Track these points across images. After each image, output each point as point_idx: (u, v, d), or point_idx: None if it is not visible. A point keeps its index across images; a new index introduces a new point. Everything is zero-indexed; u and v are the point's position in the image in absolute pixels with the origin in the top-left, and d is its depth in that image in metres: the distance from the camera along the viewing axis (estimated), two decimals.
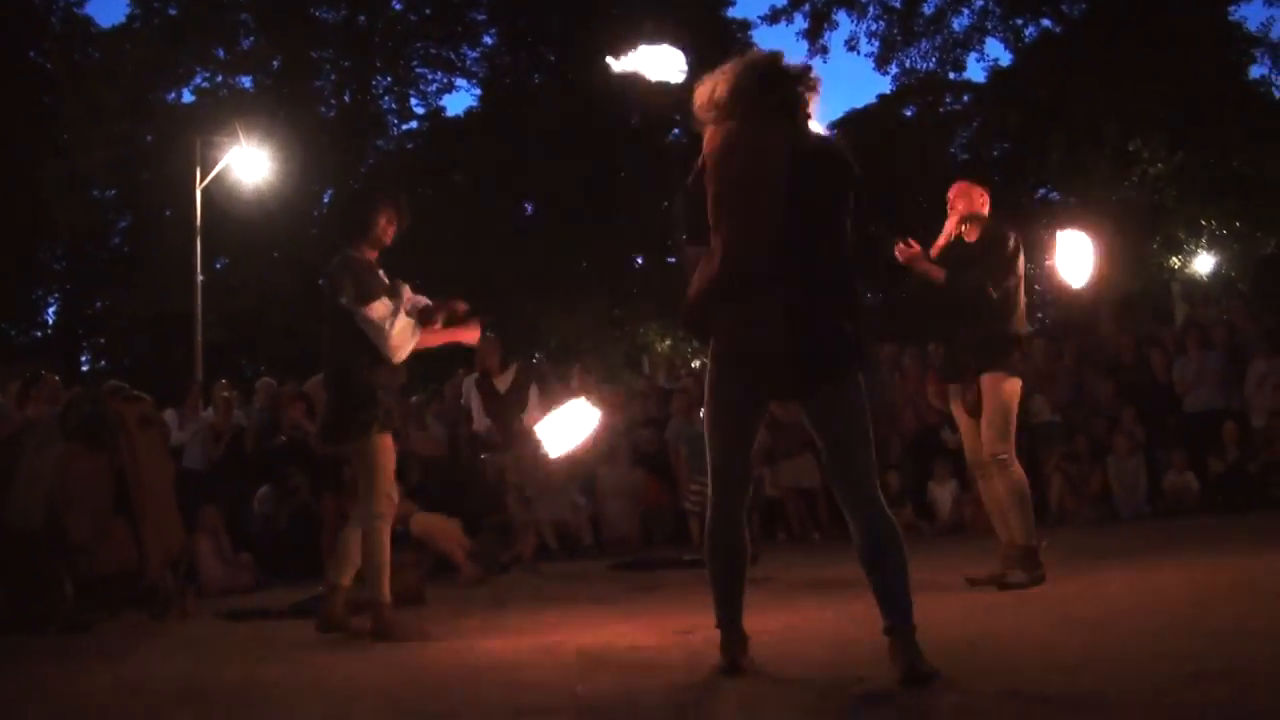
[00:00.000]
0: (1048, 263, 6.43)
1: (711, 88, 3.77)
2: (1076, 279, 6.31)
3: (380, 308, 5.31)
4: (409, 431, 6.25)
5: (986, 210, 6.21)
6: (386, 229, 5.54)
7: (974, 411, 5.95)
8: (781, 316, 3.49)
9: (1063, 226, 6.56)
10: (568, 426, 6.00)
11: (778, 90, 3.69)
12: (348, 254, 5.50)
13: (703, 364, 21.37)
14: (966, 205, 6.18)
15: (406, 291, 5.62)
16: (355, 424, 5.38)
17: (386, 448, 5.37)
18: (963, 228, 6.15)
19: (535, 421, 9.43)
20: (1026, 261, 6.11)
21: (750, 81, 3.70)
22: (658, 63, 4.92)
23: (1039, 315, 28.45)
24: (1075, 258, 6.30)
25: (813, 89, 3.74)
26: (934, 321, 6.30)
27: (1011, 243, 6.00)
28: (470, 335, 5.87)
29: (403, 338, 5.36)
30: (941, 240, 6.17)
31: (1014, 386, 5.92)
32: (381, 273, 5.52)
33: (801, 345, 3.50)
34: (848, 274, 3.61)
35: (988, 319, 5.91)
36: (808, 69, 3.78)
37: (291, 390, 11.38)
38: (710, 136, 3.77)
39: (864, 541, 3.49)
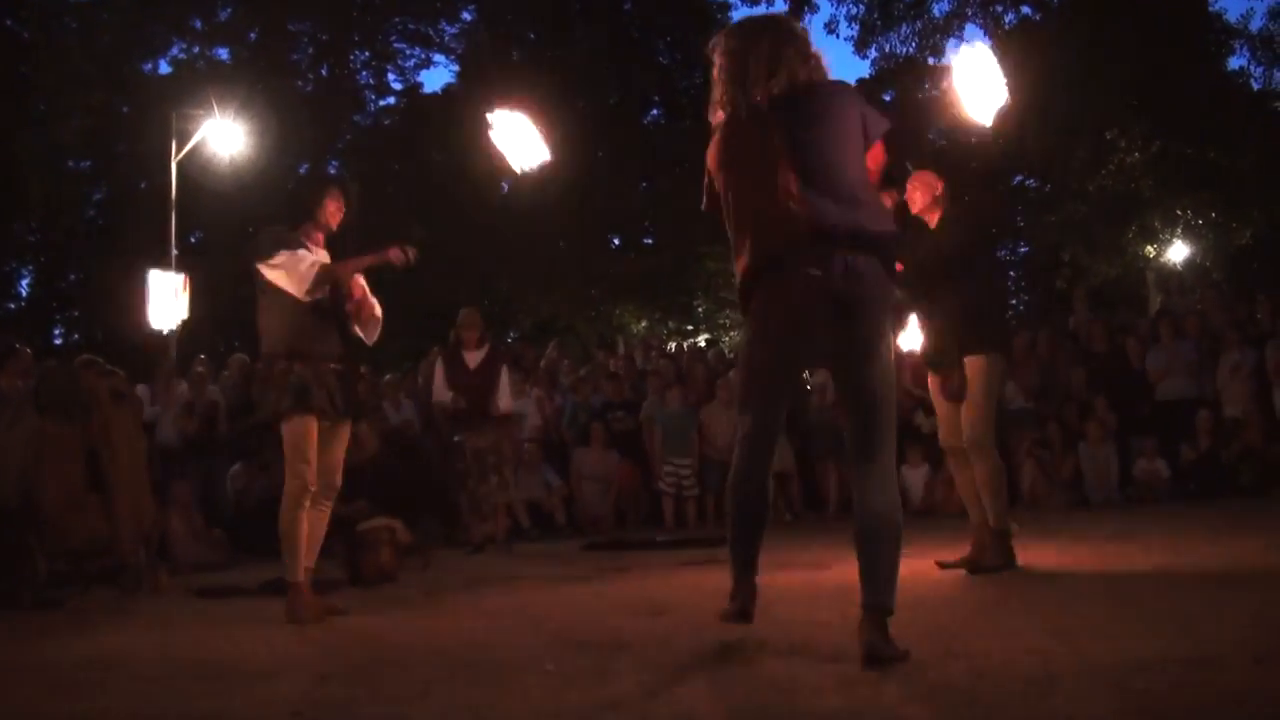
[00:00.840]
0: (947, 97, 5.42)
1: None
2: (983, 111, 5.02)
3: (289, 261, 5.30)
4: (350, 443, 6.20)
5: (944, 195, 6.18)
6: (335, 214, 5.56)
7: (957, 396, 5.95)
8: (806, 287, 3.50)
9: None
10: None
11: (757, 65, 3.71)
12: (285, 228, 5.52)
13: (678, 346, 21.44)
14: (925, 194, 6.15)
15: (359, 281, 5.65)
16: (265, 403, 5.40)
17: (295, 428, 5.29)
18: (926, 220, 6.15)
19: (508, 406, 9.45)
20: (1000, 248, 6.09)
21: (717, 75, 3.80)
22: (520, 150, 5.00)
23: (1013, 301, 28.64)
24: (980, 82, 4.99)
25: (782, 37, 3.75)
26: (914, 307, 6.27)
27: (972, 224, 6.01)
28: (383, 258, 5.51)
29: (300, 272, 5.29)
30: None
31: (998, 370, 5.95)
32: (318, 254, 5.50)
33: (832, 316, 3.51)
34: (867, 217, 3.57)
35: (969, 302, 5.91)
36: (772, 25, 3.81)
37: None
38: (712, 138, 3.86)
39: (860, 516, 3.50)
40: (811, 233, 3.51)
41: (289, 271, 5.30)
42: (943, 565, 5.94)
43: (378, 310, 5.69)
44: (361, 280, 5.64)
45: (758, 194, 3.66)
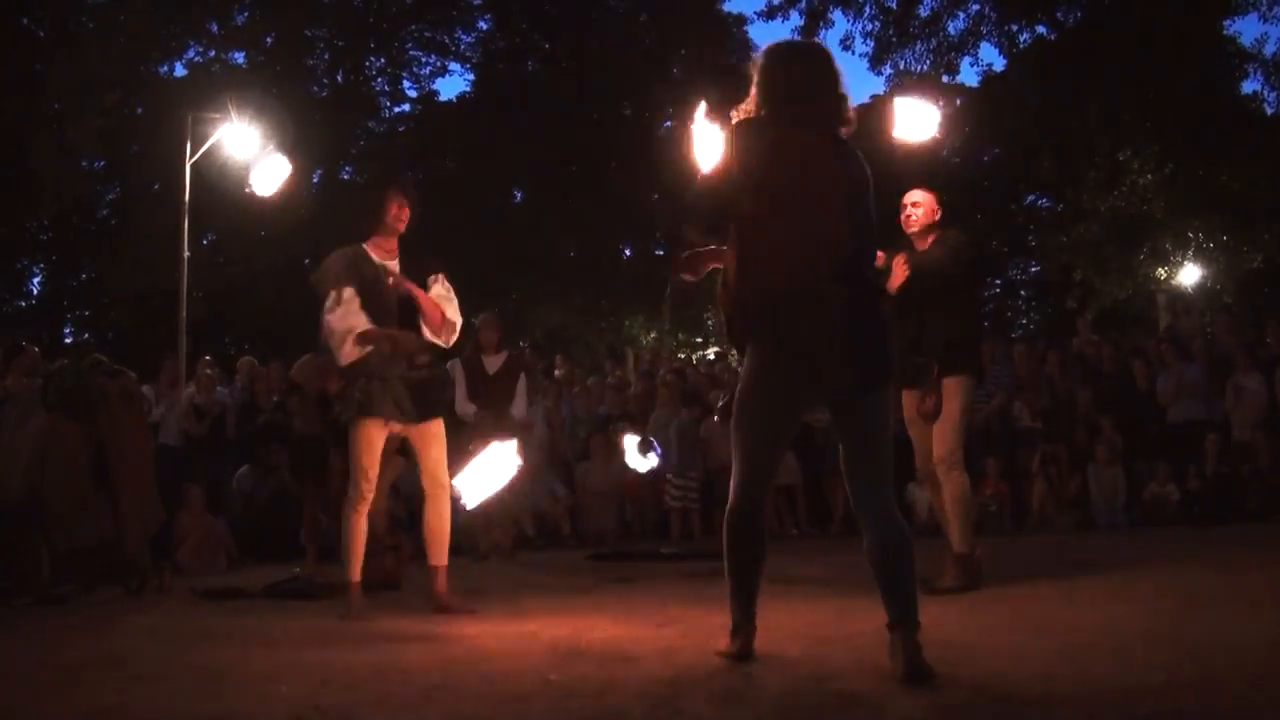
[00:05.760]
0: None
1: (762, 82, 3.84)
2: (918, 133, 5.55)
3: (336, 320, 5.47)
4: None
5: (939, 218, 6.16)
6: (399, 217, 5.68)
7: (933, 417, 5.96)
8: (845, 319, 3.54)
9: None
10: (489, 472, 6.04)
11: (827, 97, 3.77)
12: (352, 246, 5.67)
13: (687, 358, 21.40)
14: (925, 214, 6.12)
15: (439, 286, 5.78)
16: (335, 408, 5.70)
17: (356, 434, 5.55)
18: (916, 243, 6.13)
19: (523, 414, 9.44)
20: (1008, 267, 6.10)
21: (805, 82, 3.77)
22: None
23: (1022, 321, 28.59)
24: (915, 117, 5.60)
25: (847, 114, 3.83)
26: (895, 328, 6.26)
27: (968, 248, 6.01)
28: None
29: (336, 341, 5.50)
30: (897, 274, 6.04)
31: (970, 391, 6.00)
32: (388, 265, 5.64)
33: (860, 347, 3.57)
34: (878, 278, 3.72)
35: (952, 325, 5.92)
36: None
37: (277, 372, 11.39)
38: (743, 133, 3.75)
39: (877, 544, 3.53)
40: (834, 269, 3.57)
41: (332, 339, 5.50)
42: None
43: (449, 313, 5.77)
44: (414, 290, 5.67)
45: (797, 219, 3.62)
